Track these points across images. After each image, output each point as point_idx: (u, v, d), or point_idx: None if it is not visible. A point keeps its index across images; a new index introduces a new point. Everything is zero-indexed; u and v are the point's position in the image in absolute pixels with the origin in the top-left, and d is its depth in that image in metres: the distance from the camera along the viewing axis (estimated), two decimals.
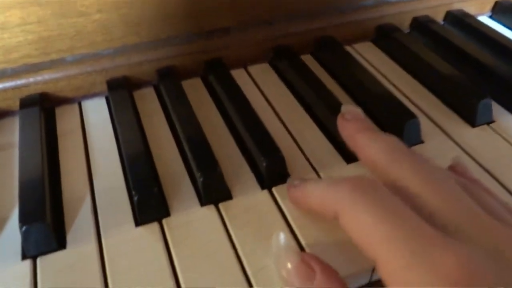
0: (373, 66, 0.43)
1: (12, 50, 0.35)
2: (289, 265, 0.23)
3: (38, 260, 0.26)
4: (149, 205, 0.28)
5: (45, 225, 0.27)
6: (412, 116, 0.34)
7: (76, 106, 0.38)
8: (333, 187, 0.23)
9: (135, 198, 0.28)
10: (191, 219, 0.29)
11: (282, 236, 0.25)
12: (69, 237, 0.28)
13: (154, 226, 0.28)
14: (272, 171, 0.30)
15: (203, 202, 0.29)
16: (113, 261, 0.26)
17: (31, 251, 0.27)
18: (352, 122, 0.29)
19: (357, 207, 0.21)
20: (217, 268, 0.26)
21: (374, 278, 0.27)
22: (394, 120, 0.34)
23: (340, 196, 0.22)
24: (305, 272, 0.22)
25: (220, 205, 0.29)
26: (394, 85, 0.40)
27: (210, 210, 0.29)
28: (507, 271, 0.17)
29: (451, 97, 0.37)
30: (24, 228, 0.26)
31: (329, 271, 0.22)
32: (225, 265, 0.26)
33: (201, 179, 0.29)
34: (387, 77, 0.41)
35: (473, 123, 0.35)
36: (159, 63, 0.40)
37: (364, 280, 0.26)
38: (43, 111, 0.37)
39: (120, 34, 0.38)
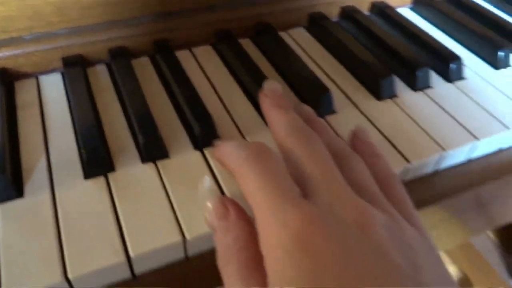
0: (303, 50, 0.49)
1: None
2: (210, 206, 0.29)
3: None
4: (96, 161, 0.33)
5: (5, 176, 0.31)
6: (326, 90, 0.40)
7: (34, 80, 0.43)
8: (236, 151, 0.28)
9: (84, 155, 0.33)
10: (132, 173, 0.34)
11: (207, 180, 0.30)
12: (27, 188, 0.32)
13: (101, 179, 0.33)
14: (204, 134, 0.36)
15: (143, 160, 0.35)
16: (65, 208, 0.31)
17: None
18: (269, 98, 0.34)
19: (246, 171, 0.26)
20: (154, 214, 0.31)
21: None
22: (312, 94, 0.40)
23: (239, 160, 0.28)
24: (222, 211, 0.28)
25: (158, 163, 0.35)
26: (319, 66, 0.46)
27: (149, 166, 0.34)
28: (337, 223, 0.23)
29: (363, 76, 0.43)
30: None
31: (242, 211, 0.28)
32: (161, 212, 0.31)
33: (142, 140, 0.35)
34: (314, 59, 0.47)
35: (378, 97, 0.41)
36: (111, 43, 0.45)
37: None
38: (3, 84, 0.41)
39: (75, 15, 0.42)
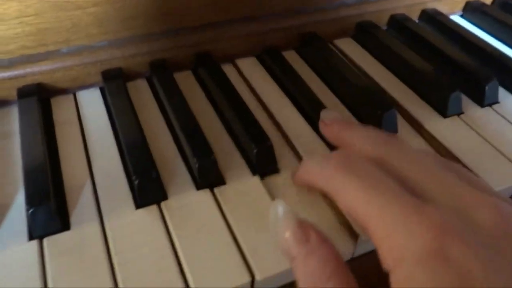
0: (352, 61, 0.46)
1: (9, 41, 0.37)
2: (286, 231, 0.25)
3: (45, 241, 0.28)
4: (149, 188, 0.30)
5: (50, 207, 0.28)
6: (390, 107, 0.36)
7: (71, 96, 0.40)
8: (320, 164, 0.26)
9: (136, 182, 0.30)
10: (188, 201, 0.31)
11: (281, 204, 0.27)
12: (73, 219, 0.30)
13: (153, 208, 0.30)
14: (262, 158, 0.33)
15: (198, 186, 0.32)
16: (117, 241, 0.28)
17: (38, 232, 0.28)
18: (333, 125, 0.32)
19: (344, 186, 0.23)
20: (216, 250, 0.28)
21: (357, 253, 0.30)
22: (373, 111, 0.37)
23: (327, 173, 0.25)
24: (301, 235, 0.25)
25: (215, 189, 0.32)
26: (371, 78, 0.43)
27: (205, 193, 0.31)
28: (472, 230, 0.20)
29: (425, 90, 0.40)
30: (31, 210, 0.28)
31: (323, 235, 0.25)
32: (223, 247, 0.28)
33: (196, 165, 0.31)
34: (366, 71, 0.44)
35: (444, 114, 0.38)
36: (152, 55, 0.42)
37: (347, 256, 0.29)
38: (40, 101, 0.38)
39: (115, 27, 0.39)
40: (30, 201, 0.29)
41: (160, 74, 0.40)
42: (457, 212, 0.21)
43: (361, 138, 0.28)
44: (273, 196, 0.31)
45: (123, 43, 0.40)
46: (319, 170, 0.26)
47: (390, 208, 0.21)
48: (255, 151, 0.33)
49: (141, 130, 0.35)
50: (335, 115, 0.33)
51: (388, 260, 0.21)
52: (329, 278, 0.23)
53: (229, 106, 0.37)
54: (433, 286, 0.19)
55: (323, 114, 0.33)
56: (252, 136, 0.34)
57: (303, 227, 0.25)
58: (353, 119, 0.38)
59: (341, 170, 0.24)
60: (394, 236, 0.21)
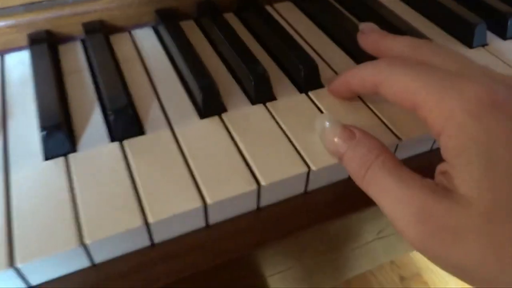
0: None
1: None
2: (334, 136, 0.29)
3: (126, 142, 0.32)
4: (213, 100, 0.35)
5: (128, 112, 0.33)
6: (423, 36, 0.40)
7: (127, 34, 0.44)
8: (370, 65, 0.29)
9: (201, 95, 0.34)
10: (246, 113, 0.35)
11: (326, 117, 0.31)
12: (147, 126, 0.34)
13: (216, 119, 0.34)
14: (309, 77, 0.37)
15: (254, 102, 0.36)
16: (187, 142, 0.32)
17: (119, 135, 0.33)
18: (372, 34, 0.35)
19: (395, 73, 0.27)
20: (275, 147, 0.32)
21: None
22: None
23: (379, 70, 0.28)
24: (348, 134, 0.29)
25: (268, 104, 0.36)
26: (400, 17, 0.46)
27: (260, 107, 0.35)
28: None
29: (450, 23, 0.43)
30: (113, 115, 0.33)
31: (367, 133, 0.29)
32: (281, 145, 0.32)
33: (253, 82, 0.36)
34: (393, 10, 0.47)
35: (470, 45, 0.42)
36: None
37: None
38: (103, 38, 0.41)
39: None
40: (112, 107, 0.33)
41: (210, 14, 0.44)
42: (501, 82, 0.25)
43: (400, 45, 0.31)
44: (317, 107, 0.35)
45: None
46: (369, 69, 0.30)
47: (439, 79, 0.25)
48: (303, 70, 0.37)
49: (200, 58, 0.39)
50: (373, 25, 0.36)
51: (439, 120, 0.24)
52: (378, 156, 0.26)
53: (274, 36, 0.41)
54: (483, 130, 0.22)
55: (362, 25, 0.36)
56: (299, 58, 0.38)
57: (348, 128, 0.29)
58: None
59: (390, 64, 0.28)
60: (444, 99, 0.23)
